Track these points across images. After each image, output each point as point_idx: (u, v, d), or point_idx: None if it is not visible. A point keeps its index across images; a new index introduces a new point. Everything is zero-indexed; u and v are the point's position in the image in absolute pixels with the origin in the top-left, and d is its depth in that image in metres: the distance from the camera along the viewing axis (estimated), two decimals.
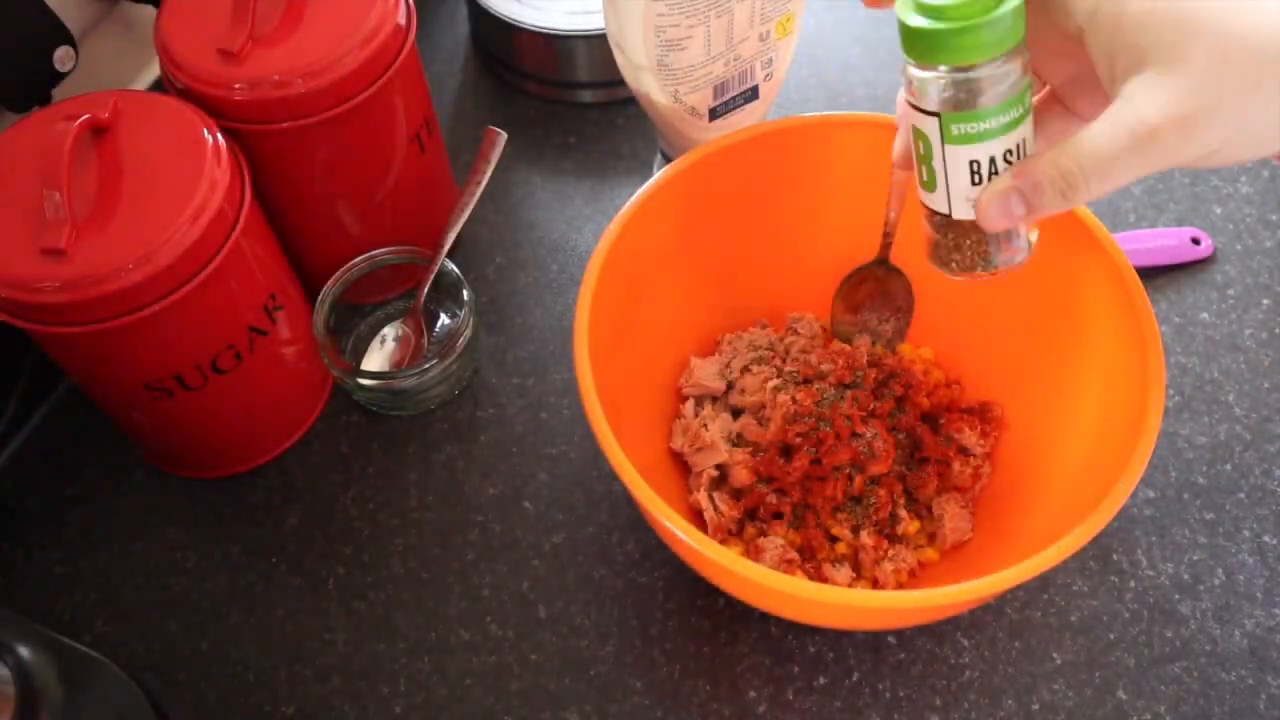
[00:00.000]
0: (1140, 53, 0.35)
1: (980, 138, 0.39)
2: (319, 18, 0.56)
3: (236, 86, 0.54)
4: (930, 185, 0.42)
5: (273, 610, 0.59)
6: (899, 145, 0.48)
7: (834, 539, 0.57)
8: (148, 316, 0.50)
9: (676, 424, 0.61)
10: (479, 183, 0.66)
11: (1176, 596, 0.58)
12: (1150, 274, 0.70)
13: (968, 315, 0.62)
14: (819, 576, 0.56)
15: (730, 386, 0.62)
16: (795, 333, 0.65)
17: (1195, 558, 0.59)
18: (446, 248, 0.65)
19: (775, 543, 0.56)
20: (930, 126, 0.40)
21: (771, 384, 0.59)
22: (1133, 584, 0.58)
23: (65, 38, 0.62)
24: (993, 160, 0.40)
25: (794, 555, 0.56)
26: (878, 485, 0.58)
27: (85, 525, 0.63)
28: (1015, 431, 0.59)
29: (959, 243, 0.44)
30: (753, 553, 0.56)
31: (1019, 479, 0.57)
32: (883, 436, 0.57)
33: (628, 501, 0.62)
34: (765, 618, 0.58)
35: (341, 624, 0.59)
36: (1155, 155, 0.35)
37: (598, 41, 0.75)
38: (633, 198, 0.55)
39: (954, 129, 0.40)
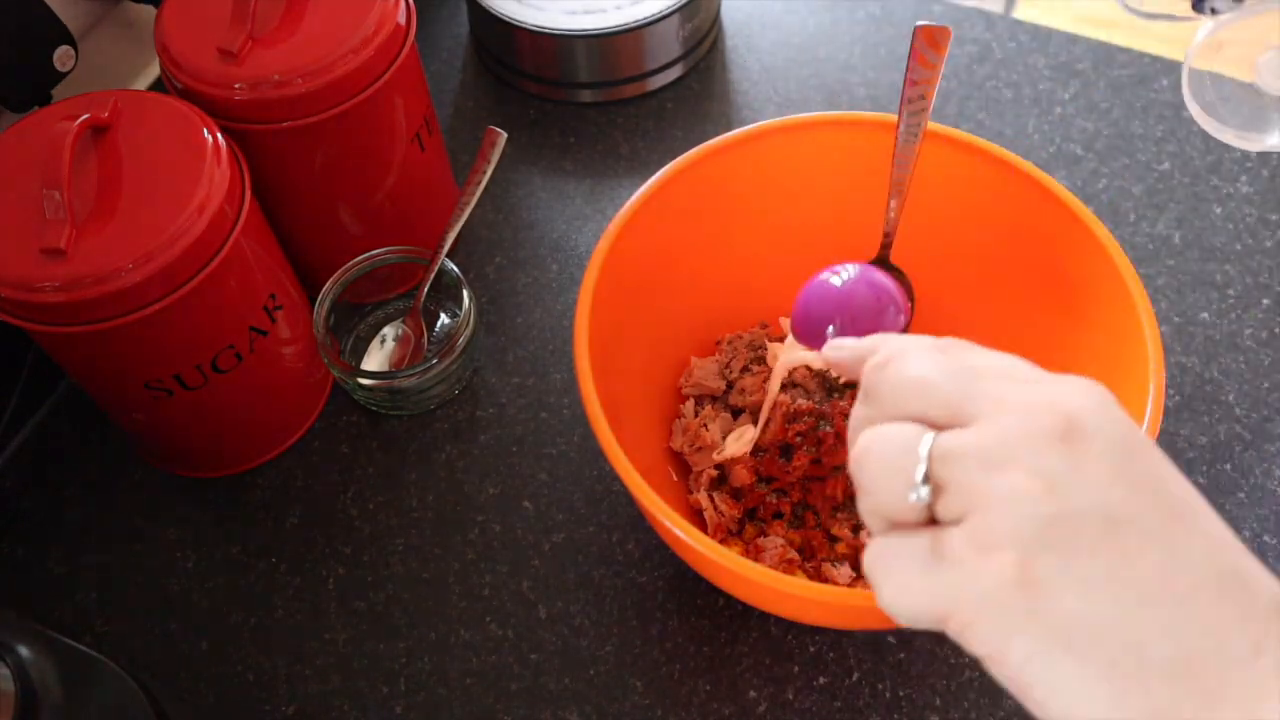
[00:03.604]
0: None
1: None
2: (319, 18, 0.56)
3: (236, 86, 0.54)
4: None
5: (273, 610, 0.59)
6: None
7: (834, 539, 0.57)
8: (148, 316, 0.50)
9: (676, 424, 0.61)
10: (479, 183, 0.66)
11: None
12: (1150, 274, 0.70)
13: (968, 315, 0.62)
14: (819, 576, 0.56)
15: (730, 386, 0.62)
16: None
17: None
18: (446, 248, 0.65)
19: (775, 543, 0.56)
20: None
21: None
22: None
23: (65, 38, 0.62)
24: None
25: (794, 555, 0.56)
26: None
27: (85, 525, 0.63)
28: None
29: None
30: (753, 553, 0.56)
31: None
32: None
33: (628, 501, 0.62)
34: (765, 618, 0.58)
35: (341, 624, 0.59)
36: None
37: (598, 41, 0.75)
38: (633, 198, 0.55)
39: None
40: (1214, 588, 0.26)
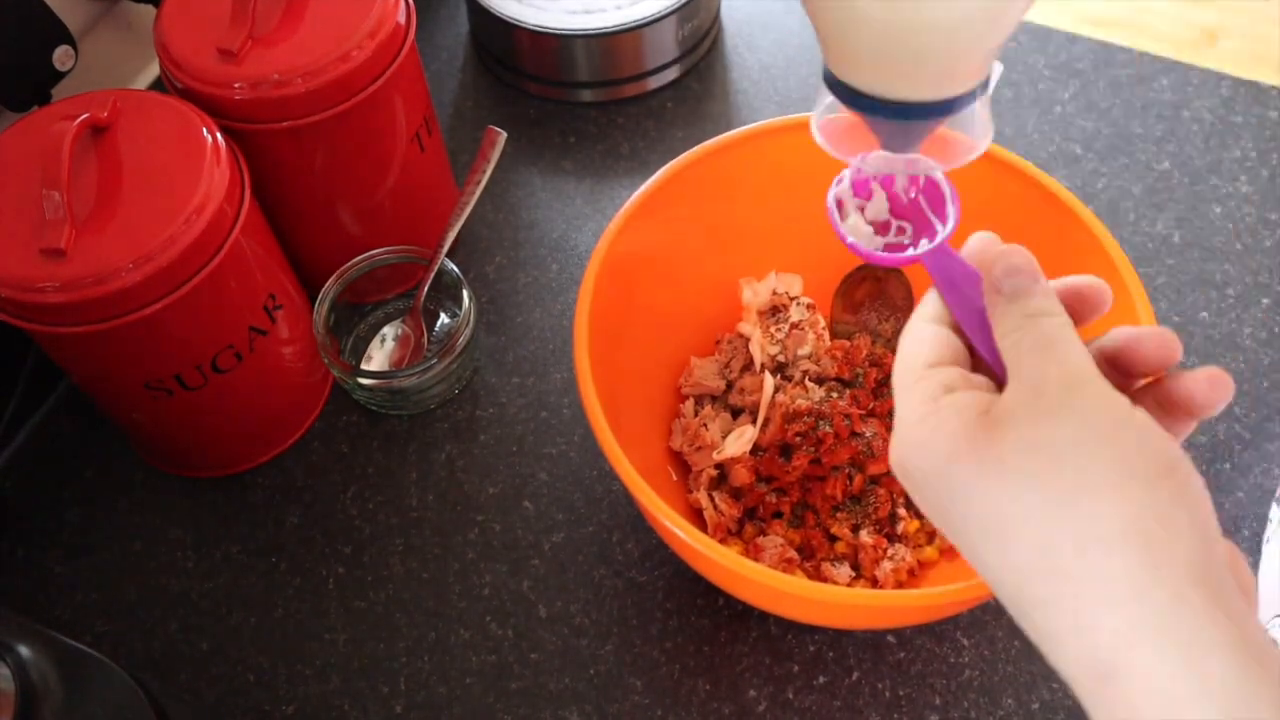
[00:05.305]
0: None
1: None
2: (318, 17, 0.56)
3: (236, 86, 0.54)
4: None
5: (273, 610, 0.59)
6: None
7: (834, 538, 0.57)
8: (148, 316, 0.50)
9: (676, 424, 0.61)
10: (479, 182, 0.66)
11: None
12: (1150, 274, 0.70)
13: None
14: (819, 576, 0.56)
15: (730, 386, 0.62)
16: None
17: None
18: (446, 247, 0.65)
19: (775, 542, 0.56)
20: None
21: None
22: None
23: (65, 37, 0.62)
24: None
25: (794, 554, 0.56)
26: (877, 484, 0.58)
27: (85, 525, 0.63)
28: None
29: None
30: (753, 552, 0.56)
31: None
32: (882, 435, 0.57)
33: (628, 501, 0.62)
34: (765, 617, 0.58)
35: (341, 624, 0.59)
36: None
37: (598, 41, 0.75)
38: (632, 198, 0.55)
39: None
40: None
